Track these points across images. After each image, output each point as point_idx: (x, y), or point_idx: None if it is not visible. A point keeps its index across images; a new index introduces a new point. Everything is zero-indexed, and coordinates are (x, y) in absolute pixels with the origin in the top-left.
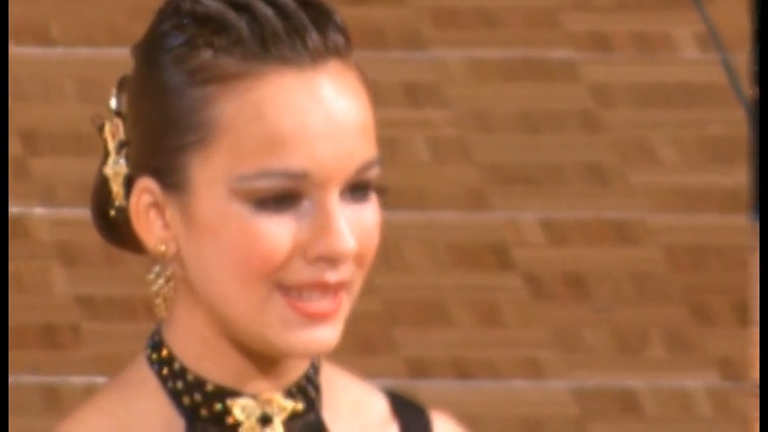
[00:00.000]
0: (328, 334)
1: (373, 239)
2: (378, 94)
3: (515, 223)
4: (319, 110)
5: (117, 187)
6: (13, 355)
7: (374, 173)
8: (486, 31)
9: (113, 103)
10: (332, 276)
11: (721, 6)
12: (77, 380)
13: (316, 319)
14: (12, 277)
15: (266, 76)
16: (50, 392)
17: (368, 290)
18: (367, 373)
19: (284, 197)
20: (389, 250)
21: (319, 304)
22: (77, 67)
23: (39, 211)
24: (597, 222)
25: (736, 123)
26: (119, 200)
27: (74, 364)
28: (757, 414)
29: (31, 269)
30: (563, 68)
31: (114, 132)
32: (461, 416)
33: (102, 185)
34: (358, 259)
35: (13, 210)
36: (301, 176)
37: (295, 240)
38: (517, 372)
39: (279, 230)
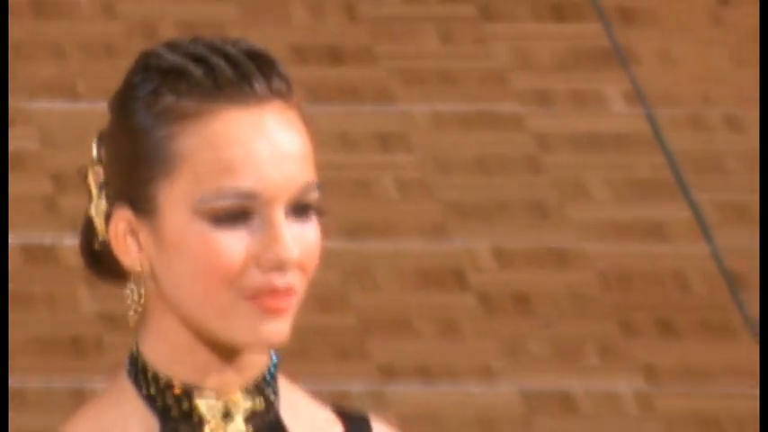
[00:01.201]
0: (281, 327)
1: (314, 252)
2: (353, 142)
3: (470, 251)
4: (264, 140)
5: (100, 224)
6: (45, 363)
7: (314, 195)
8: (446, 88)
9: (94, 152)
10: (281, 282)
11: (645, 68)
12: (100, 384)
13: (272, 314)
14: (45, 298)
15: (219, 113)
16: (77, 395)
17: (344, 307)
18: (344, 378)
19: (237, 214)
20: (363, 273)
21: (275, 302)
22: (99, 118)
23: (68, 241)
24: (540, 250)
25: (659, 166)
26: (101, 235)
27: (97, 371)
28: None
29: (61, 291)
30: (511, 120)
31: (95, 178)
32: (425, 415)
33: (88, 224)
34: (301, 267)
35: (45, 240)
36: (251, 196)
37: (248, 251)
38: (472, 377)
39: (234, 243)
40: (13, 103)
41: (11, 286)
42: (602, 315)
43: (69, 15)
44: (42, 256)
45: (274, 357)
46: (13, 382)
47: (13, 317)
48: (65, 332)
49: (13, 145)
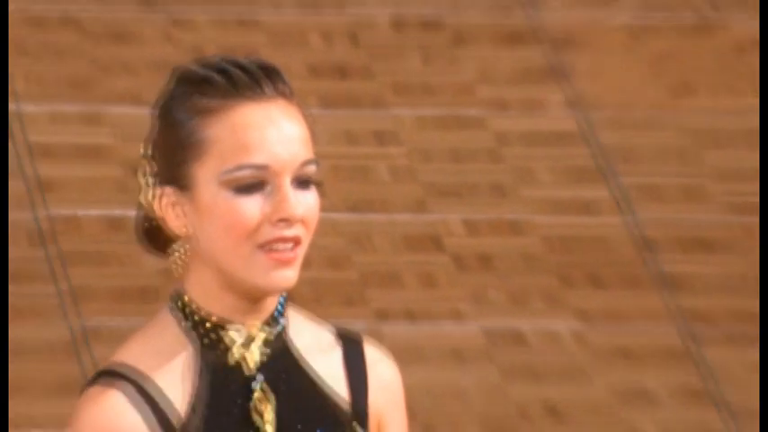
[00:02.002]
0: (290, 274)
1: (314, 212)
2: (355, 138)
3: (445, 222)
4: (272, 126)
5: (149, 206)
6: (118, 308)
7: (312, 169)
8: (427, 97)
9: (142, 150)
10: (288, 232)
11: (577, 81)
12: None
13: (283, 264)
14: (118, 257)
15: (237, 108)
16: None
17: (348, 265)
18: (349, 319)
19: (253, 184)
20: (363, 239)
21: (284, 255)
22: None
23: (134, 213)
24: (499, 221)
25: (589, 157)
26: (151, 213)
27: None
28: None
29: (130, 252)
30: (476, 121)
31: (144, 171)
32: (411, 347)
33: (141, 208)
34: (304, 223)
35: (117, 213)
36: (263, 168)
37: (262, 212)
38: (446, 319)
39: (252, 206)
40: (96, 108)
41: (94, 247)
42: (546, 271)
43: (139, 41)
44: (116, 224)
45: (282, 298)
46: (93, 322)
47: (94, 271)
48: (133, 283)
49: (94, 140)
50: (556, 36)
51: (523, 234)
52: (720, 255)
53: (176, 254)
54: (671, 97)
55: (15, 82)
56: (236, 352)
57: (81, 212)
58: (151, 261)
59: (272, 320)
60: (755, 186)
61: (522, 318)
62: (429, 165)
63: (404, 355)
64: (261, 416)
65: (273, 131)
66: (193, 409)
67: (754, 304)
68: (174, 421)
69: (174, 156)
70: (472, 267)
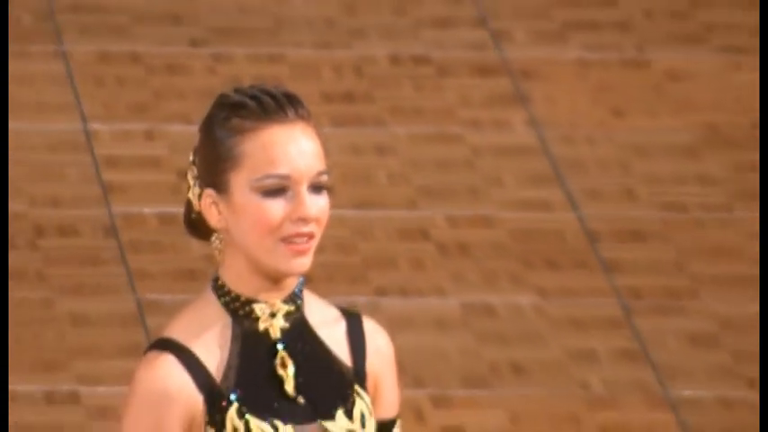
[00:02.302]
0: (305, 261)
1: (325, 212)
2: (360, 151)
3: (432, 217)
4: (293, 144)
5: (195, 203)
6: (173, 285)
7: (324, 178)
8: (417, 118)
9: (190, 158)
10: (305, 229)
11: (536, 106)
12: None
13: (299, 254)
14: (171, 246)
15: (265, 128)
16: None
17: (354, 252)
18: (354, 295)
19: (277, 190)
20: (365, 231)
21: (301, 246)
22: None
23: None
24: (474, 217)
25: (546, 166)
26: (196, 208)
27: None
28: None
29: (181, 241)
30: (456, 138)
31: (191, 174)
32: (404, 318)
33: (187, 204)
34: (317, 221)
35: (170, 210)
36: (286, 178)
37: (284, 211)
38: (432, 295)
39: (276, 207)
40: (153, 126)
41: (152, 237)
42: (511, 257)
43: (188, 73)
44: (169, 220)
45: (301, 279)
46: (151, 297)
47: (152, 257)
48: (183, 266)
49: (152, 152)
50: (519, 69)
51: (494, 227)
52: (650, 243)
53: (215, 242)
54: (610, 118)
55: (88, 106)
56: (263, 323)
57: (142, 210)
58: (197, 249)
59: (291, 298)
60: (678, 188)
61: (493, 294)
62: (418, 172)
63: (397, 324)
64: (285, 370)
65: (294, 148)
66: (228, 368)
67: (676, 282)
68: (212, 380)
69: (214, 165)
70: (452, 254)
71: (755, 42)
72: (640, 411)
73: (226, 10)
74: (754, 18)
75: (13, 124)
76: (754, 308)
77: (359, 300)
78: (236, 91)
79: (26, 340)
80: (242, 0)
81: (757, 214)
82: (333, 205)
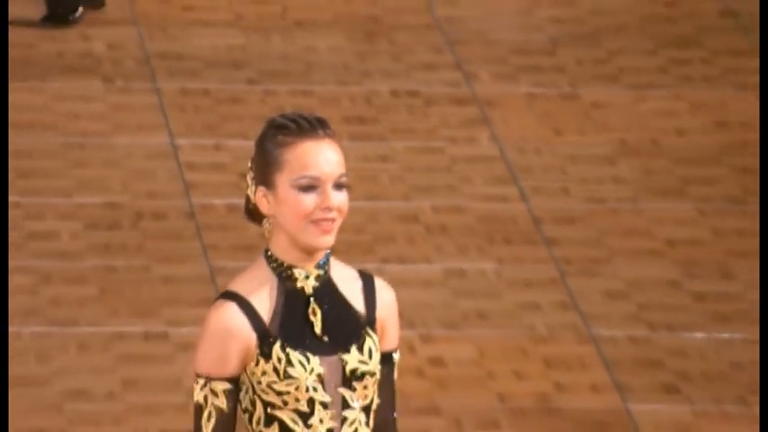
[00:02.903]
0: (330, 239)
1: (345, 204)
2: (369, 159)
3: (422, 208)
4: (322, 154)
5: (251, 196)
6: (239, 255)
7: (344, 179)
8: (411, 135)
9: (249, 164)
10: (329, 215)
11: (496, 126)
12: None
13: (325, 233)
14: (234, 228)
15: (302, 142)
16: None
17: (364, 232)
18: (365, 263)
19: (310, 186)
20: (373, 217)
21: (326, 227)
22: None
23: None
24: (451, 207)
25: (504, 170)
26: (252, 200)
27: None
28: None
29: (242, 224)
30: (440, 151)
31: (249, 176)
32: (401, 279)
33: (247, 197)
34: (339, 211)
35: (234, 201)
36: (316, 178)
37: (314, 203)
38: (423, 263)
39: (309, 200)
40: (222, 141)
41: (221, 221)
42: (479, 235)
43: (246, 103)
44: (234, 209)
45: (328, 251)
46: (221, 264)
47: (221, 234)
48: (243, 242)
49: (221, 160)
50: (484, 100)
51: (465, 214)
52: (578, 225)
53: (266, 225)
54: (551, 135)
55: (174, 127)
56: (299, 282)
57: (213, 201)
58: (252, 229)
59: (320, 265)
60: (599, 186)
61: (465, 262)
62: (411, 174)
63: (395, 283)
64: (315, 317)
65: (322, 157)
66: (274, 315)
67: (597, 253)
68: (263, 323)
69: (265, 169)
70: (435, 233)
71: (656, 80)
72: (571, 346)
73: (272, 58)
74: (655, 62)
75: (119, 140)
76: (654, 272)
77: (369, 266)
78: (281, 116)
79: (129, 295)
80: (283, 50)
81: (656, 205)
82: (350, 198)
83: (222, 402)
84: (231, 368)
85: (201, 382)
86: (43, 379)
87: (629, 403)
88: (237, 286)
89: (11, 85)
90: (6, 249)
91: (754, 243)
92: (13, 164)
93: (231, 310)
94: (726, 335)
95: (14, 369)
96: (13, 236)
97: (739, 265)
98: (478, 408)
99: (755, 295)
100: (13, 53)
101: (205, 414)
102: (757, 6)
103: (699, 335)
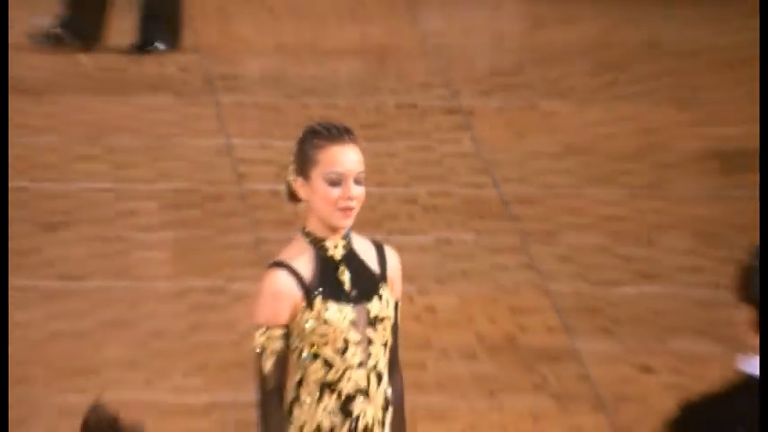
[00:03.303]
0: (349, 221)
1: (362, 195)
2: (379, 156)
3: (416, 193)
4: (346, 155)
5: (292, 184)
6: (277, 232)
7: (362, 175)
8: (413, 139)
9: (291, 159)
10: (350, 204)
11: (478, 131)
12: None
13: (346, 217)
14: (279, 207)
15: (331, 146)
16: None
17: (376, 212)
18: (376, 234)
19: (336, 180)
20: (382, 200)
21: (348, 212)
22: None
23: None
24: (440, 192)
25: (483, 164)
26: (292, 187)
27: None
28: None
29: (287, 208)
30: (433, 149)
31: (290, 168)
32: (403, 246)
33: (288, 185)
34: (357, 200)
35: (278, 188)
36: (342, 174)
37: (339, 194)
38: (417, 234)
39: (335, 191)
40: (267, 141)
41: (267, 203)
42: (462, 213)
43: (285, 113)
44: (276, 194)
45: (349, 228)
46: (267, 235)
47: (266, 214)
48: (284, 219)
49: (266, 156)
50: (467, 110)
51: (452, 198)
52: (536, 206)
53: (302, 207)
54: (517, 138)
55: (229, 131)
56: (330, 251)
57: (260, 188)
58: (288, 208)
59: (344, 238)
60: (551, 175)
61: (452, 233)
62: (411, 167)
63: (399, 250)
64: (343, 276)
65: (346, 157)
66: (313, 277)
67: (549, 227)
68: (306, 283)
69: (303, 165)
70: (430, 212)
71: (595, 97)
72: (531, 297)
73: (305, 78)
74: (597, 82)
75: (188, 141)
76: (593, 240)
77: (378, 236)
78: (317, 124)
79: (196, 259)
80: (314, 72)
81: (594, 190)
82: (366, 185)
83: (278, 345)
84: (283, 319)
85: (261, 330)
86: (132, 322)
87: (575, 341)
88: (284, 256)
89: (109, 100)
90: (6, 251)
91: (669, 219)
92: (109, 157)
93: (281, 275)
94: (647, 288)
95: (110, 314)
96: (105, 212)
97: (656, 235)
98: (461, 344)
99: (670, 258)
100: (109, 75)
101: (265, 354)
102: (677, 36)
103: (627, 288)
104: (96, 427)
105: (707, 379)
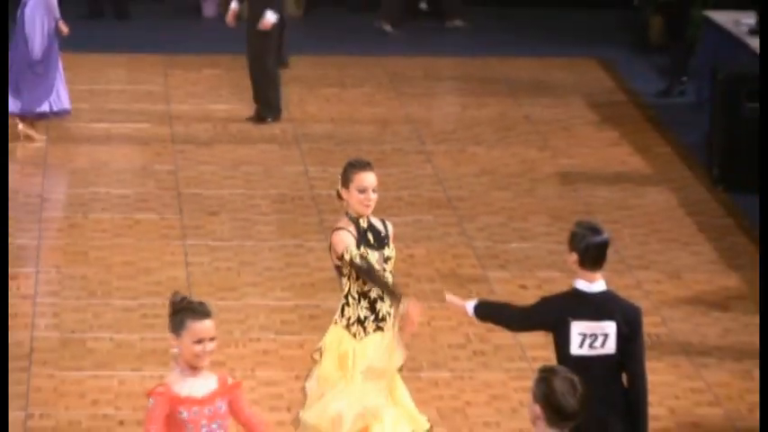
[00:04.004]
0: (369, 210)
1: (376, 198)
2: (385, 184)
3: (400, 195)
4: (368, 178)
5: (340, 191)
6: (328, 216)
7: (375, 186)
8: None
9: (340, 178)
10: (370, 203)
11: (436, 162)
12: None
13: (367, 209)
14: (332, 202)
15: (360, 172)
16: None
17: (382, 204)
18: (386, 216)
19: (363, 190)
20: (385, 190)
21: (369, 207)
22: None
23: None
24: (415, 194)
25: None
26: (340, 193)
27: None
28: None
29: (336, 205)
30: (419, 156)
31: (340, 183)
32: (400, 225)
33: (337, 191)
34: (373, 201)
35: (332, 192)
36: (366, 187)
37: (364, 198)
38: (401, 214)
39: (362, 197)
40: (329, 169)
41: (328, 200)
42: (426, 206)
43: (336, 155)
44: (332, 196)
45: (370, 214)
46: (326, 217)
47: (327, 207)
48: (337, 208)
49: (327, 176)
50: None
51: (420, 198)
52: (463, 201)
53: (345, 203)
54: (472, 171)
55: (306, 161)
56: (361, 224)
57: (323, 193)
58: (338, 204)
59: (367, 218)
60: (499, 172)
61: (418, 216)
62: (399, 182)
63: (394, 224)
64: (370, 235)
65: (368, 179)
66: (358, 239)
67: (469, 212)
68: (355, 239)
69: (345, 182)
70: (409, 205)
71: (497, 144)
72: (463, 249)
73: (347, 135)
74: (498, 136)
75: (283, 169)
76: (496, 220)
77: (383, 216)
78: (353, 159)
79: (291, 230)
80: (351, 132)
81: (499, 192)
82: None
83: (355, 251)
84: (352, 248)
85: (346, 252)
86: (231, 294)
87: (487, 272)
88: (342, 224)
89: (239, 151)
90: (6, 251)
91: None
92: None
93: (345, 232)
94: (525, 244)
95: (200, 291)
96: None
97: (475, 216)
98: (426, 274)
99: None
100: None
101: (354, 255)
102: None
103: (514, 245)
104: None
105: (552, 290)
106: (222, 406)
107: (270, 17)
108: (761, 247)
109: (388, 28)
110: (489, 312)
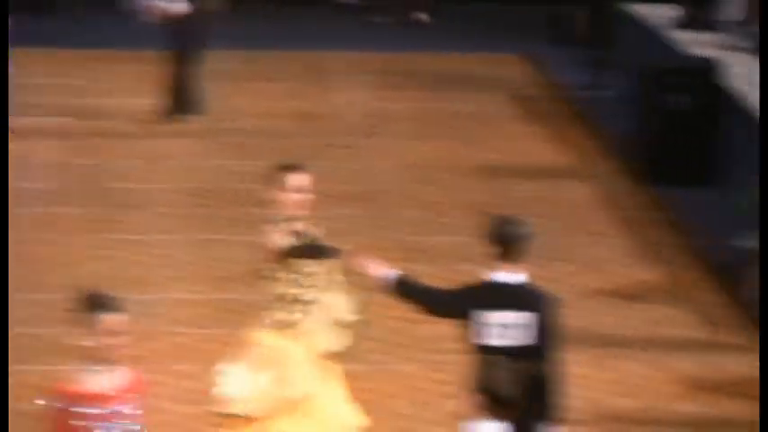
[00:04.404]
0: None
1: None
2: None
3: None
4: (294, 177)
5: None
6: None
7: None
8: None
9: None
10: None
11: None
12: None
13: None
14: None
15: (286, 172)
16: None
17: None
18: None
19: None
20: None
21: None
22: None
23: None
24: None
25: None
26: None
27: None
28: None
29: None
30: (345, 150)
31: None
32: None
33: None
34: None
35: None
36: (299, 189)
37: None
38: (399, 197)
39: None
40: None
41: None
42: (403, 201)
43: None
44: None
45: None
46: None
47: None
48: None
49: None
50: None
51: (375, 200)
52: (379, 194)
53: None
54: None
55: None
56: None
57: (242, 186)
58: (257, 198)
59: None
60: (452, 171)
61: (416, 211)
62: (385, 175)
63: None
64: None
65: (294, 178)
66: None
67: (384, 202)
68: None
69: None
70: (407, 200)
71: (412, 139)
72: (393, 252)
73: (272, 128)
74: (416, 130)
75: (201, 162)
76: (414, 213)
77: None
78: (282, 161)
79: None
80: (278, 126)
81: (415, 185)
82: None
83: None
84: None
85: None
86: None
87: (415, 265)
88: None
89: (161, 145)
90: (6, 252)
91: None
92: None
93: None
94: (447, 238)
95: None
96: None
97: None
98: (401, 240)
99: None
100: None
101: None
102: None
103: (428, 238)
104: None
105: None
106: (131, 401)
107: (178, 6)
108: (761, 248)
109: None
110: (411, 291)
